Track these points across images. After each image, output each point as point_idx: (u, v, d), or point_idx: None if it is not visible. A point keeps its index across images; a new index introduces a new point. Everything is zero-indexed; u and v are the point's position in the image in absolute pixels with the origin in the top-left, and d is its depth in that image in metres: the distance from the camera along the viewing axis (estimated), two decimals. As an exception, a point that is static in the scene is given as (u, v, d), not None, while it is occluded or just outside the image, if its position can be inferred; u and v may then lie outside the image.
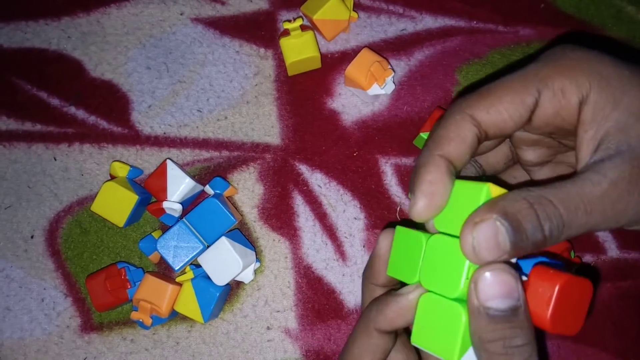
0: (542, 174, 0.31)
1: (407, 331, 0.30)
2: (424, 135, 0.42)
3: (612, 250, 0.43)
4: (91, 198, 0.44)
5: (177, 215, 0.41)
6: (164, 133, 0.45)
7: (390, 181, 0.44)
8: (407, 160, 0.45)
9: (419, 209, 0.25)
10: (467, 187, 0.24)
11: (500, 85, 0.26)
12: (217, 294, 0.39)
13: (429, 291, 0.25)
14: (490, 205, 0.23)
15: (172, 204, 0.41)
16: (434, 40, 0.47)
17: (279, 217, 0.44)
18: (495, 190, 0.24)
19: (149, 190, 0.42)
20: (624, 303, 0.42)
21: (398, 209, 0.44)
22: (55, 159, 0.45)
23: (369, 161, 0.45)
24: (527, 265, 0.26)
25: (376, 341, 0.28)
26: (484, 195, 0.24)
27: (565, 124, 0.26)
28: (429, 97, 0.46)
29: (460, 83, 0.46)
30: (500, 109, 0.26)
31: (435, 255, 0.25)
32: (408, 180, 0.44)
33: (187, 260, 0.40)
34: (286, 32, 0.44)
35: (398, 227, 0.28)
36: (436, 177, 0.25)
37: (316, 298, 0.42)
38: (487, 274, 0.23)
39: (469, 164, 0.32)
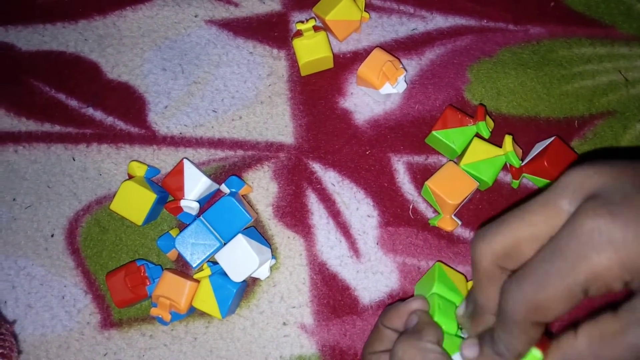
0: None
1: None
2: (436, 133, 0.43)
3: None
4: (109, 197, 0.45)
5: (194, 213, 0.42)
6: (180, 133, 0.46)
7: (403, 179, 0.45)
8: (419, 159, 0.45)
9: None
10: None
11: None
12: (234, 290, 0.40)
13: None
14: None
15: (189, 203, 0.42)
16: (444, 39, 0.48)
17: (294, 214, 0.44)
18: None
19: (166, 189, 0.43)
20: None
21: (411, 207, 0.44)
22: (74, 159, 0.46)
23: (382, 159, 0.45)
24: None
25: (383, 333, 0.35)
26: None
27: None
28: (441, 96, 0.46)
29: (471, 81, 0.47)
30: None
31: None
32: (420, 177, 0.45)
33: (204, 257, 0.41)
34: (299, 33, 0.45)
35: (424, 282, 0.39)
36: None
37: (331, 294, 0.43)
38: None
39: None
